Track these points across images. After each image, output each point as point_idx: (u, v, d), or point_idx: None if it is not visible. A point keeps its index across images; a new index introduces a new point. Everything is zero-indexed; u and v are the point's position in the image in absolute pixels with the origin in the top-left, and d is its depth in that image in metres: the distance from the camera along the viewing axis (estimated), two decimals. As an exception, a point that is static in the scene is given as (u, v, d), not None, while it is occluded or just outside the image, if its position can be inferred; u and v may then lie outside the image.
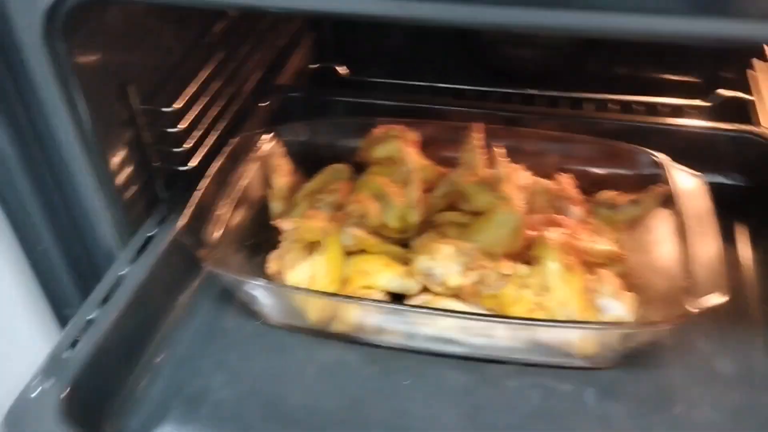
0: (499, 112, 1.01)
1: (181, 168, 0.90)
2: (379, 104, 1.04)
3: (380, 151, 0.91)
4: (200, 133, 0.93)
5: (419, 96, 1.16)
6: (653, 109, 1.13)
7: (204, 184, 0.82)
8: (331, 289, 0.77)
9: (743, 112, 1.09)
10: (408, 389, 0.72)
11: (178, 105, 0.88)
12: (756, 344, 0.75)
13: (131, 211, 0.83)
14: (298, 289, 0.76)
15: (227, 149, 0.88)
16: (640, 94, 1.15)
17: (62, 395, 0.63)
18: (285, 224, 0.78)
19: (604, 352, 0.72)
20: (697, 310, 0.66)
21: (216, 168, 0.84)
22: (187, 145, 0.90)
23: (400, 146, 0.85)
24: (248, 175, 0.88)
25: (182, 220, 0.77)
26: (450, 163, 0.91)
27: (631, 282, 0.78)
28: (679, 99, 1.15)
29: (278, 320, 0.79)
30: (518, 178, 0.89)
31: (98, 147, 0.75)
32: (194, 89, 0.92)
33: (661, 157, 0.85)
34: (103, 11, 0.74)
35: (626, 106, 1.13)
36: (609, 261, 0.80)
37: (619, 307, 0.74)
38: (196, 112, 0.92)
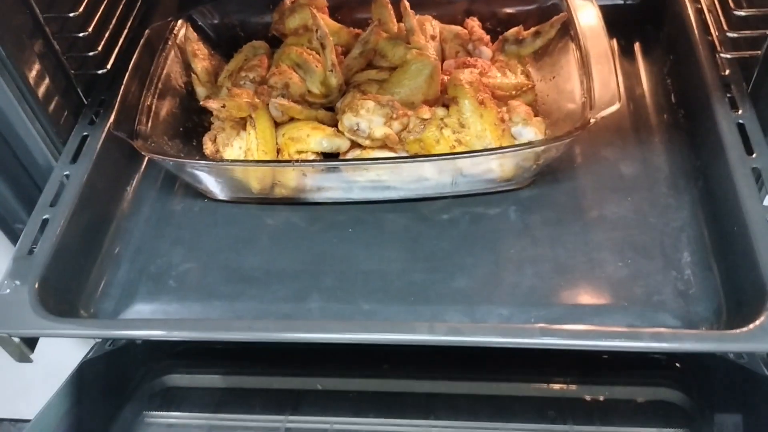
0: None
1: (99, 71, 0.94)
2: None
3: (292, 22, 0.97)
4: (110, 33, 0.96)
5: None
6: None
7: (126, 78, 0.88)
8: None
9: None
10: (352, 236, 0.83)
11: (81, 8, 0.90)
12: (653, 145, 0.88)
13: (58, 120, 0.88)
14: (239, 161, 0.85)
15: (141, 42, 0.93)
16: None
17: (34, 287, 0.72)
18: (212, 104, 0.85)
19: (521, 172, 0.83)
20: (594, 120, 0.77)
21: (134, 62, 0.90)
22: (100, 48, 0.94)
23: (311, 14, 0.91)
24: (167, 65, 0.94)
25: (113, 115, 0.84)
26: (363, 23, 0.99)
27: (539, 108, 0.89)
28: None
29: (223, 196, 0.88)
30: (428, 29, 0.97)
31: (10, 62, 0.79)
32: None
33: (559, -14, 0.94)
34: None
35: None
36: (518, 92, 0.90)
37: (530, 131, 0.84)
38: (102, 12, 0.94)
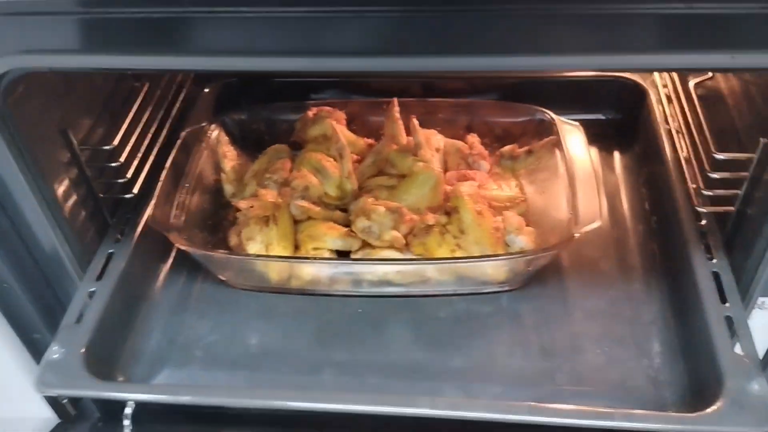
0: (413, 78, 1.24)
1: (126, 196, 1.04)
2: (308, 81, 1.26)
3: (314, 131, 1.13)
4: (138, 161, 1.06)
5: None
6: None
7: (163, 175, 1.01)
8: (285, 255, 0.98)
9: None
10: (360, 320, 0.95)
11: (115, 142, 1.00)
12: (627, 243, 1.03)
13: (83, 239, 0.95)
14: (260, 256, 0.97)
15: (178, 143, 1.08)
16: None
17: (81, 352, 0.83)
18: (242, 204, 0.98)
19: (513, 276, 0.96)
20: (578, 235, 0.90)
21: (171, 161, 1.04)
22: (129, 174, 1.03)
23: (331, 125, 1.07)
24: (200, 164, 1.07)
25: (150, 208, 0.97)
26: (375, 133, 1.14)
27: (530, 217, 1.03)
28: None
29: (243, 284, 1.00)
30: (434, 142, 1.12)
31: (45, 186, 0.86)
32: (128, 122, 1.05)
33: (548, 113, 1.10)
34: (38, 75, 0.80)
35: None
36: (512, 204, 1.04)
37: (522, 240, 0.98)
38: (132, 144, 1.05)
